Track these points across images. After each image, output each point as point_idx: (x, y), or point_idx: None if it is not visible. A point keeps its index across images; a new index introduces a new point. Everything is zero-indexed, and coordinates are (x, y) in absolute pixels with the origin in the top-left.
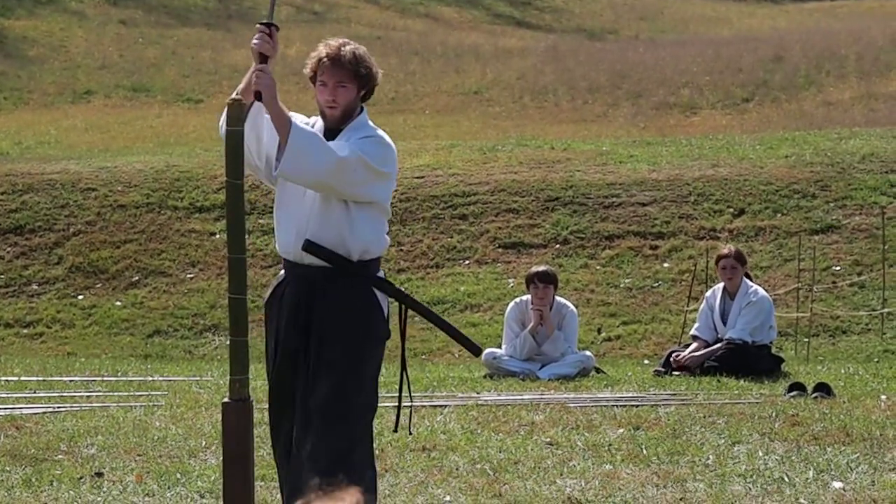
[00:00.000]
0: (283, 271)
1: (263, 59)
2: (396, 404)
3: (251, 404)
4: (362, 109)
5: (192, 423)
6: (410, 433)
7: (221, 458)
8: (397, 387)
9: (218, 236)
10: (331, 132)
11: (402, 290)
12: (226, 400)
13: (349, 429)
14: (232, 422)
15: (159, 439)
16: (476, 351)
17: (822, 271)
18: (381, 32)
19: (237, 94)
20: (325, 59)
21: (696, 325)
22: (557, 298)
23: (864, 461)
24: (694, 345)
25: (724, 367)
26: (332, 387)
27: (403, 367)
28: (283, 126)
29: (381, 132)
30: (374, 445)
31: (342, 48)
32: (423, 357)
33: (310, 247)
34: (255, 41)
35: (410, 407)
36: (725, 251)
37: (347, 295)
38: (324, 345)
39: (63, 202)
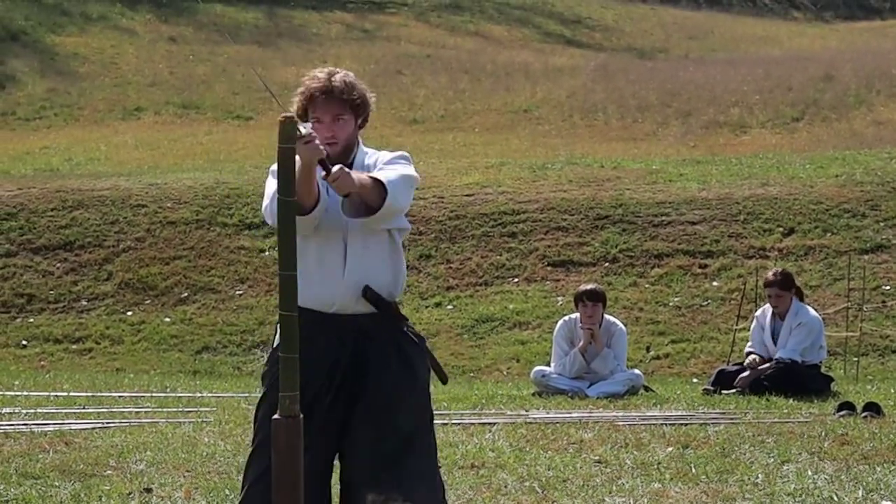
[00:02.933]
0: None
1: (323, 164)
2: (444, 422)
3: (301, 421)
4: (358, 140)
5: (241, 439)
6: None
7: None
8: (442, 405)
9: (267, 253)
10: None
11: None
12: (276, 417)
13: (432, 463)
14: (282, 438)
15: (208, 455)
16: (443, 380)
17: (872, 290)
18: (430, 51)
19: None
20: (318, 94)
21: (749, 343)
22: (606, 316)
23: None
24: (749, 359)
25: (774, 386)
26: (408, 433)
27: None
28: (366, 189)
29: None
30: None
31: (332, 79)
32: (472, 375)
33: (370, 294)
34: (303, 146)
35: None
36: (771, 277)
37: (400, 338)
38: (381, 392)
39: (113, 218)
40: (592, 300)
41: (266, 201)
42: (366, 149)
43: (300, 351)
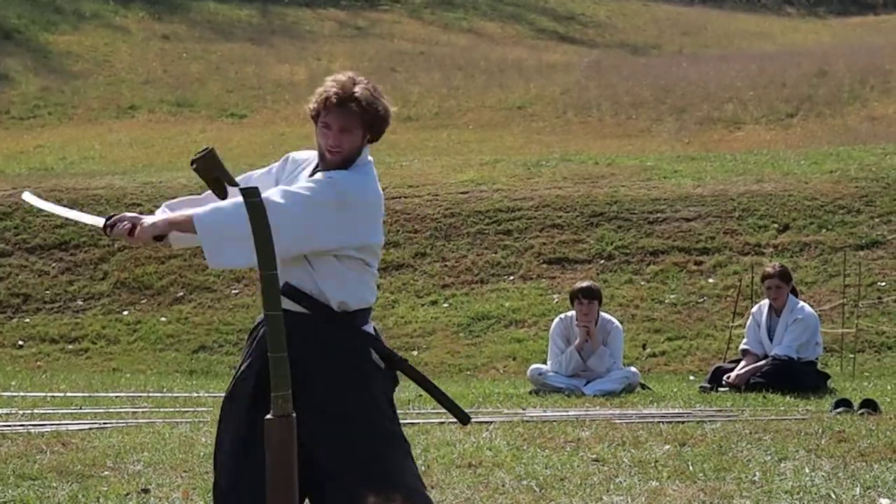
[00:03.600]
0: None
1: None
2: (441, 420)
3: (294, 420)
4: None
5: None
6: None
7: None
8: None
9: None
10: None
11: (392, 351)
12: (269, 416)
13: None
14: (275, 438)
15: (206, 455)
16: (465, 420)
17: (868, 287)
18: (424, 48)
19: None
20: (333, 100)
21: (744, 339)
22: (602, 314)
23: None
24: (744, 360)
25: (770, 383)
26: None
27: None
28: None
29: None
30: (421, 462)
31: (354, 89)
32: (468, 373)
33: (288, 290)
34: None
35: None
36: (770, 270)
37: (331, 342)
38: (312, 394)
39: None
40: (588, 298)
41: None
42: (369, 158)
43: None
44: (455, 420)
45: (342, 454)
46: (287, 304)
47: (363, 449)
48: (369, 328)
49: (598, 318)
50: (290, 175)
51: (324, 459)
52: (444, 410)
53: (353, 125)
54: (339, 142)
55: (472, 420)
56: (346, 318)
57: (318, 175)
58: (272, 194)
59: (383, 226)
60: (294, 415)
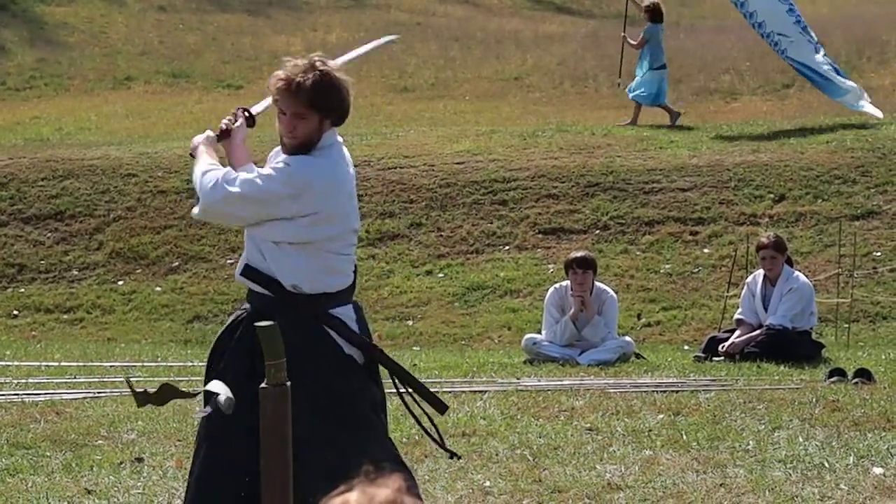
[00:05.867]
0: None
1: (225, 135)
2: (434, 390)
3: (288, 389)
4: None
5: None
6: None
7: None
8: (434, 373)
9: None
10: None
11: (365, 339)
12: (263, 385)
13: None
14: (269, 407)
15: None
16: (442, 409)
17: (863, 257)
18: (420, 18)
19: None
20: (282, 86)
21: (739, 309)
22: (597, 284)
23: None
24: (739, 329)
25: (764, 352)
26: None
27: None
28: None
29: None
30: (415, 431)
31: (303, 75)
32: (463, 342)
33: (246, 272)
34: (227, 122)
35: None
36: (765, 240)
37: (285, 324)
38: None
39: (103, 188)
40: (583, 268)
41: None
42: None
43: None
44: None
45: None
46: (249, 284)
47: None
48: (344, 310)
49: (592, 288)
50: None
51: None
52: (437, 380)
53: (305, 111)
54: (293, 127)
55: (467, 390)
56: (305, 300)
57: (279, 161)
58: (236, 178)
59: (378, 196)
60: (288, 383)
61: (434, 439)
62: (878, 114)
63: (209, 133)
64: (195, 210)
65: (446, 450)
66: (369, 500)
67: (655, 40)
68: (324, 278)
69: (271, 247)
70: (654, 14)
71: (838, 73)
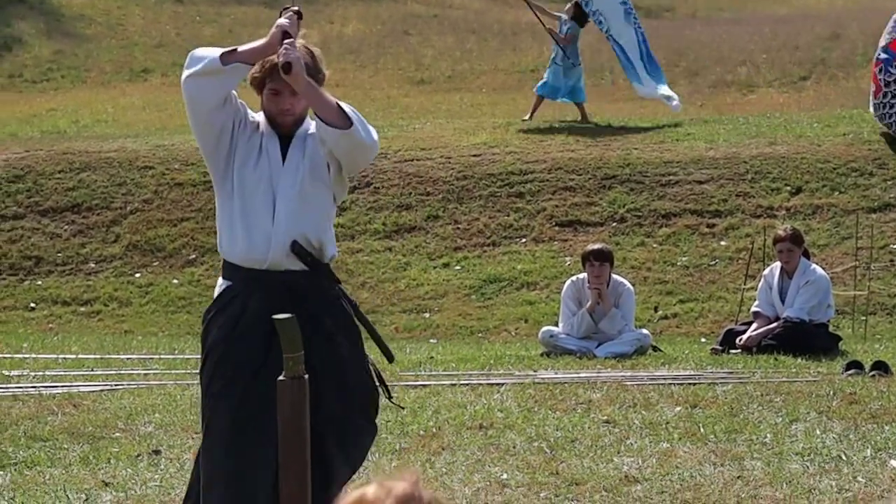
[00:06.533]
0: (226, 282)
1: (287, 36)
2: (452, 382)
3: (306, 381)
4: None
5: None
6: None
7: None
8: (450, 365)
9: None
10: (282, 139)
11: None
12: (281, 378)
13: (371, 426)
14: (287, 399)
15: None
16: (390, 358)
17: (880, 249)
18: (437, 10)
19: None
20: (282, 67)
21: (756, 302)
22: (614, 276)
23: None
24: (756, 322)
25: (781, 345)
26: (348, 393)
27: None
28: (322, 96)
29: None
30: (432, 424)
31: (299, 58)
32: (480, 335)
33: (299, 249)
34: (284, 20)
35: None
36: (782, 233)
37: (333, 298)
38: (321, 353)
39: (120, 180)
40: (600, 260)
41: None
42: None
43: (238, 310)
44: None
45: (343, 400)
46: (285, 264)
47: (360, 395)
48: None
49: (609, 281)
50: (244, 125)
51: (325, 404)
52: (454, 373)
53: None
54: (292, 104)
55: (485, 382)
56: (331, 273)
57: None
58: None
59: (395, 188)
60: (306, 376)
61: (380, 385)
62: (675, 104)
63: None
64: (360, 135)
65: (392, 401)
66: (387, 493)
67: (576, 39)
68: (334, 243)
69: (330, 211)
70: (579, 14)
71: (649, 64)
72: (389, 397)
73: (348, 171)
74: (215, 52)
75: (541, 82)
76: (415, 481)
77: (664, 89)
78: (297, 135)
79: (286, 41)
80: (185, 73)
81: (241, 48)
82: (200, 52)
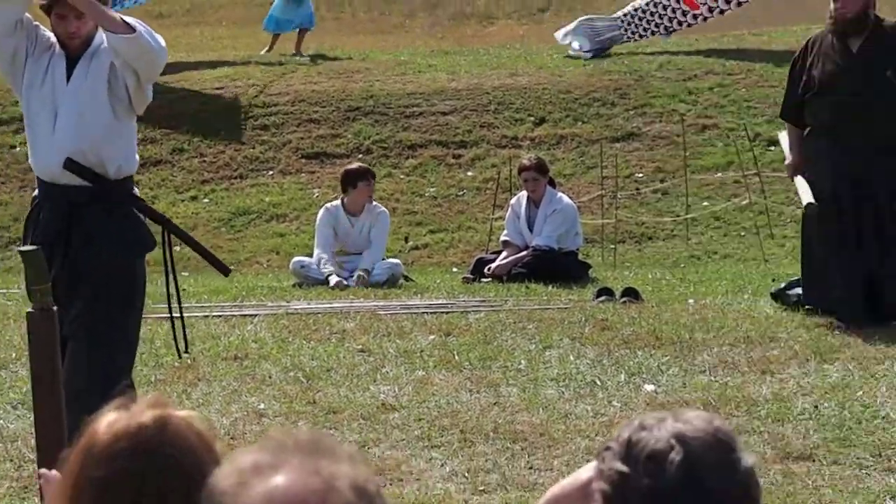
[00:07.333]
0: (36, 191)
1: None
2: (205, 315)
3: (55, 313)
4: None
5: (1, 335)
6: (187, 351)
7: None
8: (203, 297)
9: (18, 149)
10: (70, 60)
11: (156, 210)
12: (29, 310)
13: (118, 347)
14: (37, 330)
15: None
16: (226, 272)
17: (626, 178)
18: None
19: None
20: None
21: (504, 231)
22: (374, 203)
23: (675, 364)
24: (505, 251)
25: (531, 273)
26: (100, 307)
27: (177, 293)
28: (105, 12)
29: None
30: (187, 355)
31: None
32: (232, 267)
33: (71, 165)
34: None
35: (182, 321)
36: (526, 162)
37: (110, 213)
38: (86, 266)
39: None
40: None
41: None
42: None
43: (35, 218)
44: (218, 271)
45: (86, 315)
46: (65, 178)
47: (103, 312)
48: (136, 192)
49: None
50: (37, 48)
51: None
52: (206, 304)
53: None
54: (78, 28)
55: (238, 314)
56: (118, 186)
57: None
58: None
59: (138, 121)
60: (55, 308)
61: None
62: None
63: None
64: (145, 38)
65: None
66: (130, 417)
67: None
68: (136, 158)
69: (116, 127)
70: None
71: None
72: (184, 352)
73: (146, 79)
74: None
75: (266, 18)
76: (162, 403)
77: None
78: (85, 55)
79: None
80: None
81: None
82: (144, 25)
